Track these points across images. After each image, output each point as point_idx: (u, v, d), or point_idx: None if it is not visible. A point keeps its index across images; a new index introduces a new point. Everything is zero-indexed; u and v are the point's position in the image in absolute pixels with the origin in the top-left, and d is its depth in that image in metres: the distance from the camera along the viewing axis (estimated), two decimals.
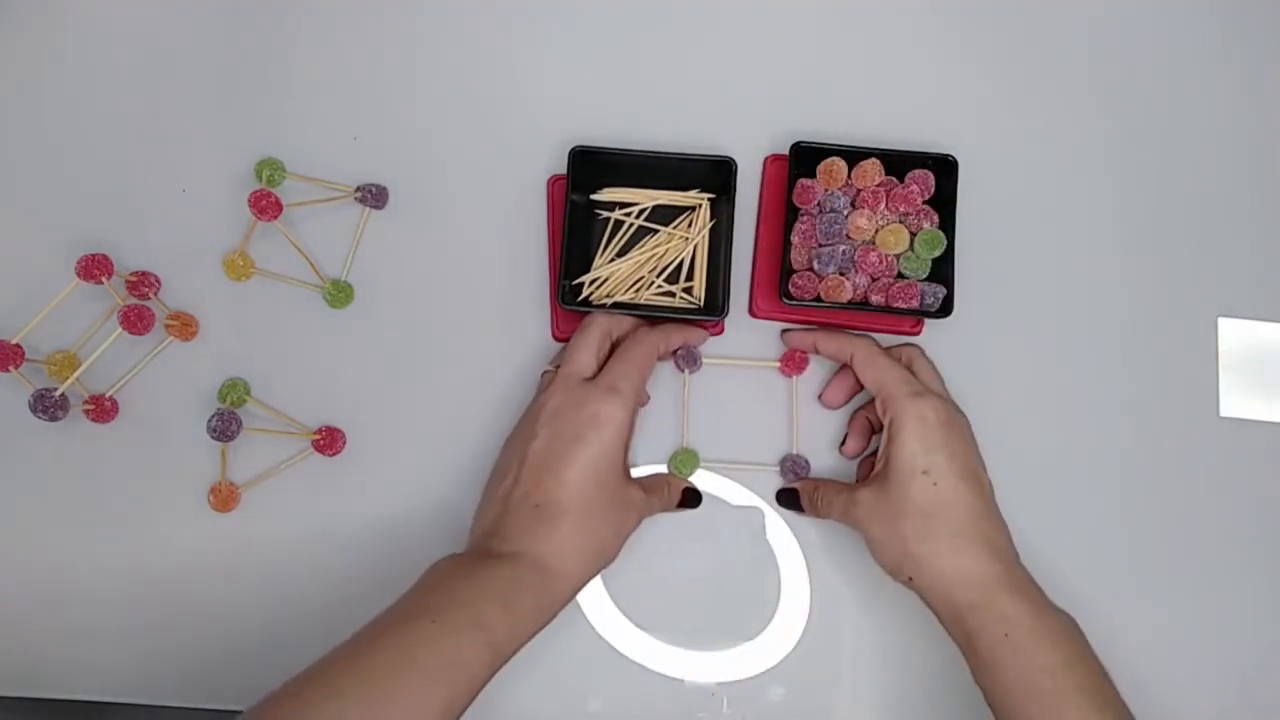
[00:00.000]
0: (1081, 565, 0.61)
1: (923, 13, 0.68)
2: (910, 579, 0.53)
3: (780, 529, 0.61)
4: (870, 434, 0.61)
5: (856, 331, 0.61)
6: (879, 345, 0.58)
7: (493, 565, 0.50)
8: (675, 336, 0.59)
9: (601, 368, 0.56)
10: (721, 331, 0.63)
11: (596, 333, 0.57)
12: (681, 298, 0.62)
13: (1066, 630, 0.51)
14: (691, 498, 0.60)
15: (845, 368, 0.60)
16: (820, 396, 0.62)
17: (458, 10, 0.67)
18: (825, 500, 0.57)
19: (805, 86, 0.66)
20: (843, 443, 0.61)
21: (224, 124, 0.65)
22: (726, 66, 0.66)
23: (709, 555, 0.61)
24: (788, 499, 0.61)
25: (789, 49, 0.67)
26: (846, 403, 0.62)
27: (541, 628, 0.51)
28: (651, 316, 0.60)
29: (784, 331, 0.62)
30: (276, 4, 0.66)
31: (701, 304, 0.61)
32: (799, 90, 0.66)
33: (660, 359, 0.59)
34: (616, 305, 0.60)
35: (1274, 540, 0.62)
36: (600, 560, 0.53)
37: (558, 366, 0.57)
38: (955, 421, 0.55)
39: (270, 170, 0.62)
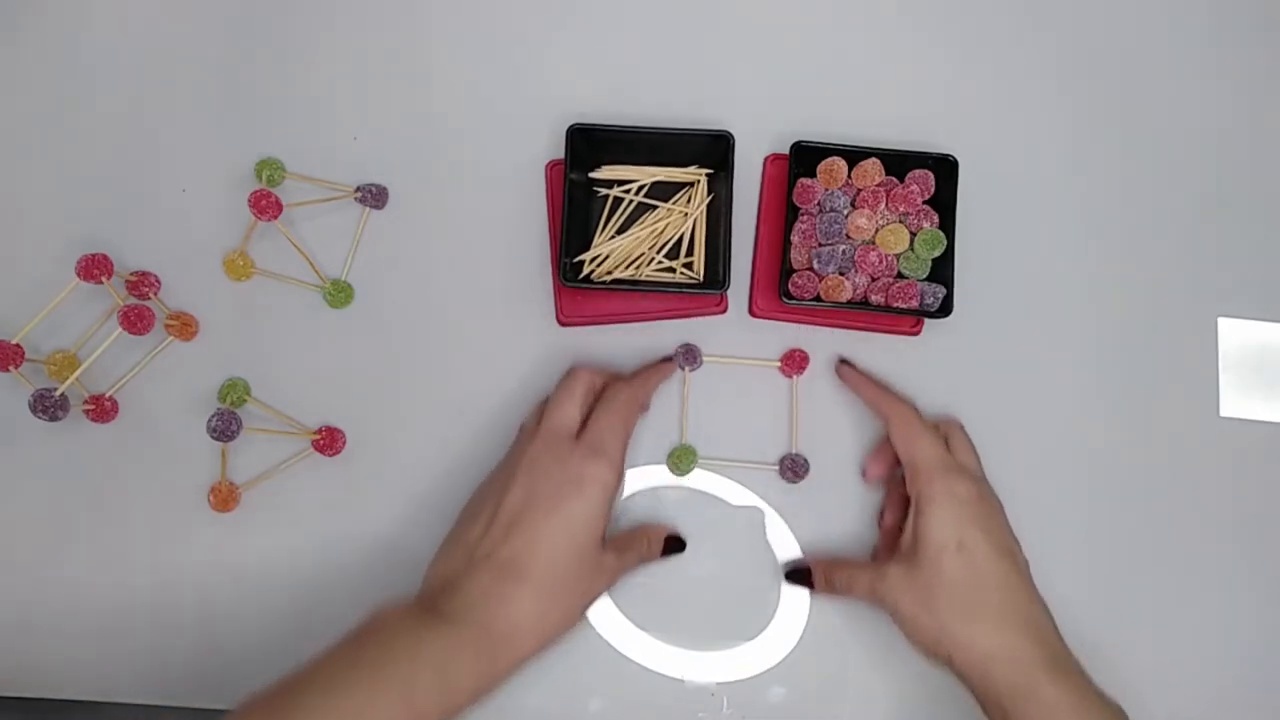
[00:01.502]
0: (1081, 564, 0.61)
1: (923, 13, 0.68)
2: (950, 658, 0.50)
3: (780, 529, 0.61)
4: (906, 508, 0.57)
5: (900, 394, 0.59)
6: (917, 413, 0.56)
7: (438, 629, 0.47)
8: (653, 380, 0.58)
9: (585, 422, 0.54)
10: (725, 308, 0.63)
11: (580, 386, 0.54)
12: (682, 273, 0.62)
13: None
14: (675, 545, 0.58)
15: (889, 442, 0.58)
16: (864, 472, 0.61)
17: (456, 6, 0.67)
18: (846, 578, 0.55)
19: (805, 86, 0.66)
20: (880, 514, 0.60)
21: (224, 124, 0.65)
22: (727, 67, 0.66)
23: (709, 555, 0.61)
24: (798, 577, 0.59)
25: (789, 49, 0.67)
26: (886, 475, 0.60)
27: (478, 703, 0.47)
28: (652, 291, 0.60)
29: (841, 362, 0.61)
30: (276, 4, 0.66)
31: (701, 279, 0.61)
32: (799, 90, 0.66)
33: (641, 412, 0.58)
34: (617, 282, 0.61)
35: (1274, 540, 0.62)
36: (559, 630, 0.50)
37: (539, 421, 0.55)
38: (988, 499, 0.53)
39: (270, 170, 0.62)
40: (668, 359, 0.61)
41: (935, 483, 0.52)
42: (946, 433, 0.57)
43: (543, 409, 0.56)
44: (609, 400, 0.55)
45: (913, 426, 0.55)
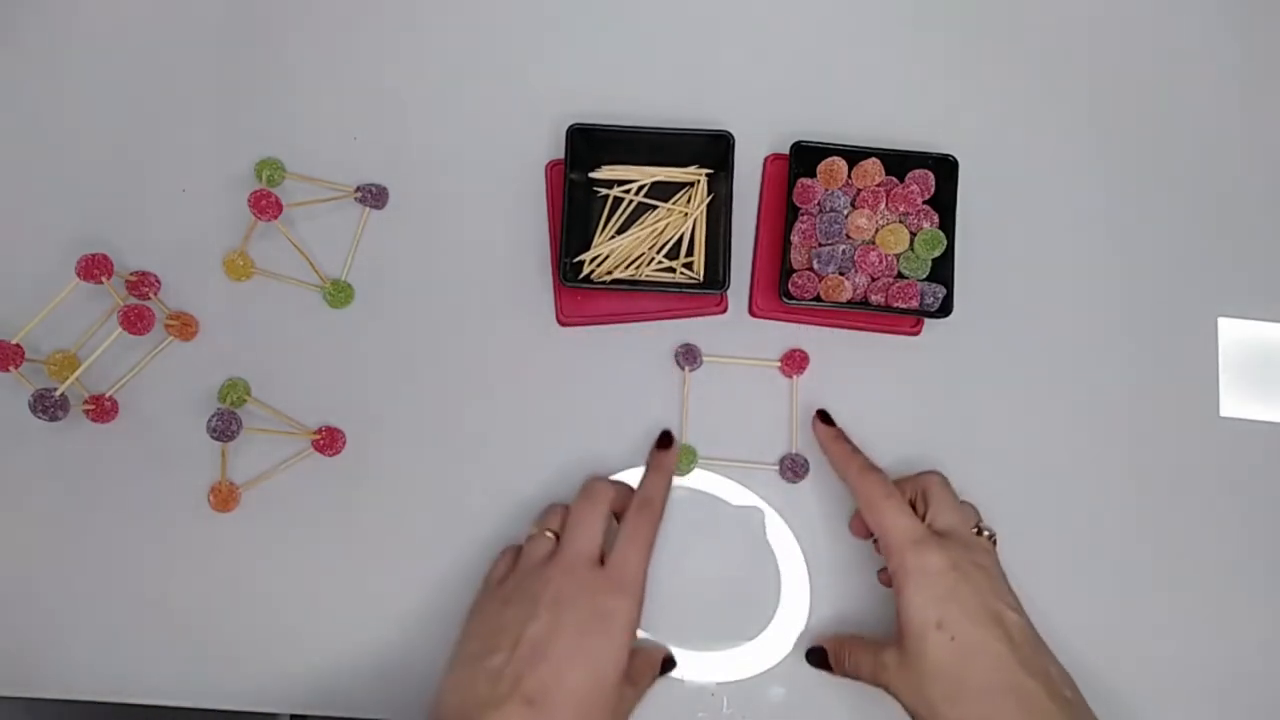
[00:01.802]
0: (1080, 564, 0.61)
1: (923, 13, 0.68)
2: None
3: (780, 529, 0.61)
4: None
5: (870, 465, 0.57)
6: (883, 483, 0.54)
7: None
8: (664, 490, 0.57)
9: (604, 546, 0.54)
10: (725, 308, 0.63)
11: (604, 508, 0.53)
12: (682, 273, 0.62)
13: None
14: (669, 665, 0.58)
15: None
16: (850, 524, 0.60)
17: (456, 6, 0.67)
18: (853, 661, 0.54)
19: (806, 86, 0.66)
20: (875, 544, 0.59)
21: (224, 124, 0.65)
22: (727, 67, 0.66)
23: (709, 555, 0.61)
24: (817, 658, 0.58)
25: (789, 49, 0.67)
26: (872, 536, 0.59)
27: None
28: (652, 291, 0.61)
29: (819, 415, 0.60)
30: (276, 4, 0.66)
31: (702, 279, 0.61)
32: (799, 90, 0.66)
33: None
34: (617, 282, 0.61)
35: (1274, 540, 0.62)
36: None
37: (554, 534, 0.54)
38: (964, 563, 0.50)
39: (270, 170, 0.62)
40: (665, 440, 0.59)
41: (906, 559, 0.50)
42: (924, 489, 0.55)
43: (552, 517, 0.55)
44: (633, 531, 0.53)
45: (876, 503, 0.53)
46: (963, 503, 0.57)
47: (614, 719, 0.50)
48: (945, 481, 0.56)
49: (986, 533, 0.55)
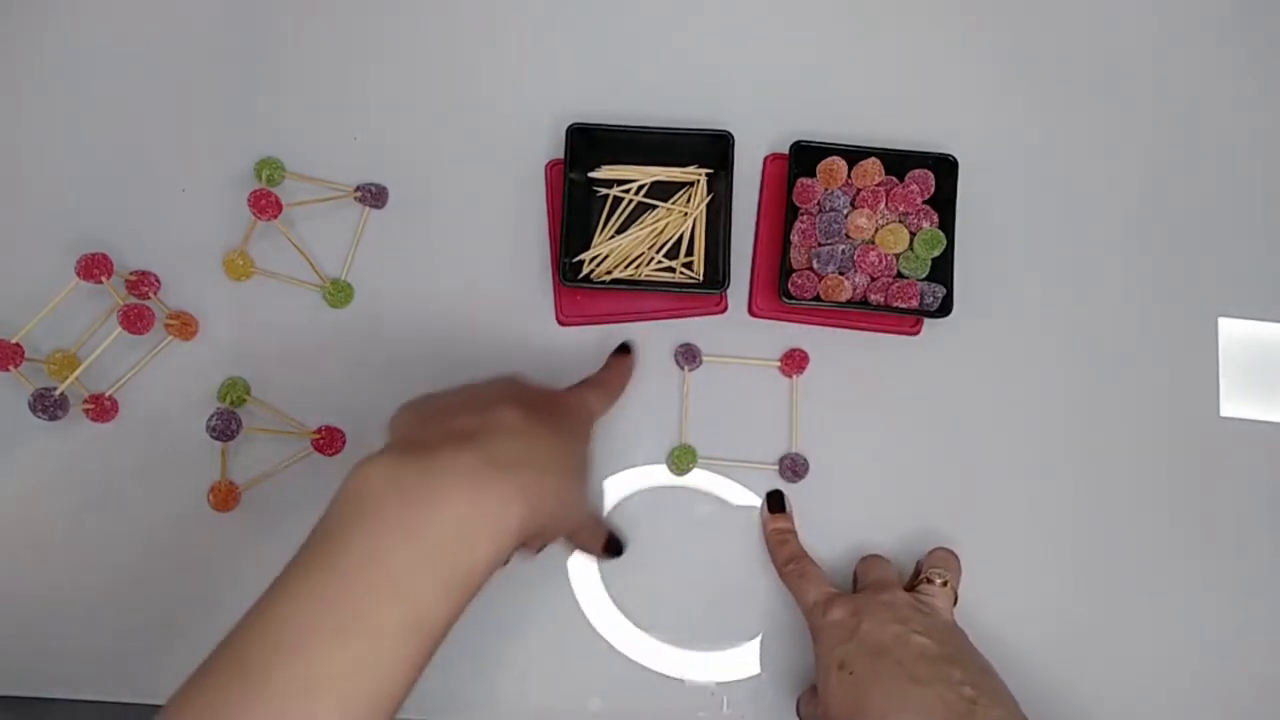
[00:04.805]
0: (1079, 564, 0.61)
1: (923, 12, 0.68)
2: None
3: None
4: None
5: (793, 554, 0.59)
6: (800, 568, 0.57)
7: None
8: (623, 383, 0.59)
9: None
10: (725, 307, 0.63)
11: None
12: (681, 273, 0.62)
13: None
14: (613, 545, 0.58)
15: None
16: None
17: (457, 6, 0.67)
18: (806, 712, 0.57)
19: (805, 86, 0.66)
20: None
21: (224, 124, 0.65)
22: (727, 67, 0.66)
23: (709, 555, 0.61)
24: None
25: (790, 49, 0.67)
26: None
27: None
28: (652, 291, 0.61)
29: (769, 503, 0.61)
30: (276, 4, 0.66)
31: (701, 278, 0.61)
32: (799, 90, 0.66)
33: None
34: (617, 282, 0.61)
35: (1274, 540, 0.62)
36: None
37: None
38: (868, 604, 0.53)
39: (270, 170, 0.62)
40: (624, 349, 0.60)
41: (815, 621, 0.54)
42: (857, 568, 0.58)
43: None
44: (594, 386, 0.57)
45: (793, 579, 0.57)
46: (940, 550, 0.58)
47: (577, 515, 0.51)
48: (878, 557, 0.58)
49: (939, 580, 0.55)
